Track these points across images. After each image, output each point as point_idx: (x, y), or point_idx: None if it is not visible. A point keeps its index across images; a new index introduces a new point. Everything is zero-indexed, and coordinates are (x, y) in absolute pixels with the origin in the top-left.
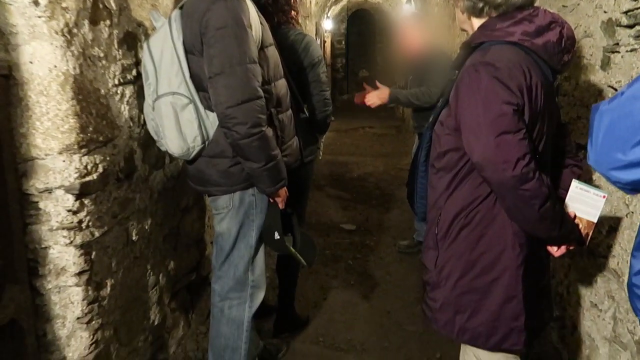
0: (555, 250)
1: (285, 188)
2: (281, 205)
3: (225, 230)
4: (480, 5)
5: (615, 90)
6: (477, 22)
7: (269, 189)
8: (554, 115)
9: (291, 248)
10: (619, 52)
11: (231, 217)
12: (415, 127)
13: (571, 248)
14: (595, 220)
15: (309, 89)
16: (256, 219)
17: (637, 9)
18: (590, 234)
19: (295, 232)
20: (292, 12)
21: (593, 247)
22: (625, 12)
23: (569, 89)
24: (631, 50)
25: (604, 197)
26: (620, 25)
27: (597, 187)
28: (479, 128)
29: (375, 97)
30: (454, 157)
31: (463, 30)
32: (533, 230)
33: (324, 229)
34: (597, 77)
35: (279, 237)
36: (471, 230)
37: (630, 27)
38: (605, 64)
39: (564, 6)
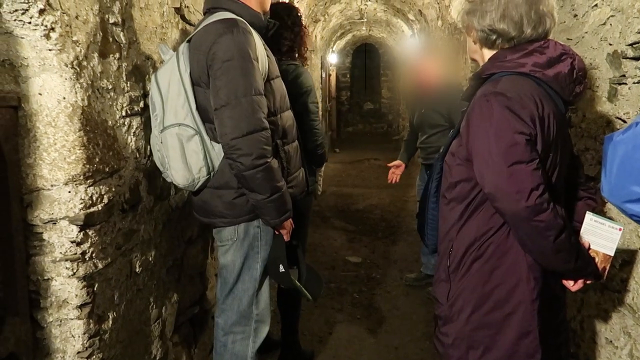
0: (572, 285)
1: (290, 220)
2: (286, 237)
3: (230, 263)
4: (493, 37)
5: (624, 121)
6: (488, 53)
7: (274, 220)
8: (567, 146)
9: (296, 281)
10: (625, 83)
11: (236, 249)
12: (422, 158)
13: (588, 282)
14: (612, 254)
15: (299, 120)
16: (261, 251)
17: None
18: (608, 267)
19: (300, 265)
20: (303, 49)
21: (606, 281)
22: (631, 45)
23: (576, 121)
24: (638, 82)
25: (620, 229)
26: (626, 57)
27: (611, 219)
28: (491, 158)
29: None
30: (466, 188)
31: (473, 60)
32: (548, 263)
33: (329, 261)
34: (605, 108)
35: (284, 270)
36: (484, 263)
37: (636, 59)
38: (612, 96)
39: (568, 39)
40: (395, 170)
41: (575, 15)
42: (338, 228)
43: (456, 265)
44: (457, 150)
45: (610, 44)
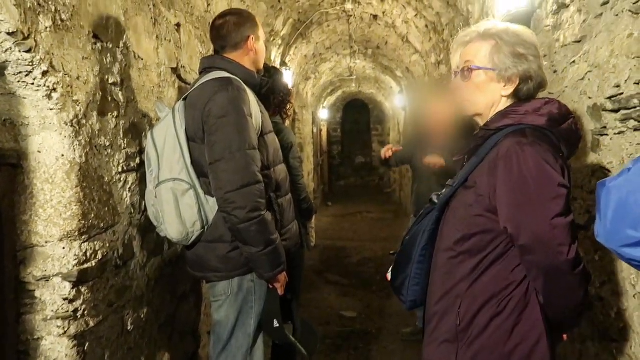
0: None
1: (284, 273)
2: (280, 291)
3: (223, 318)
4: (522, 85)
5: (608, 171)
6: (499, 104)
7: (268, 274)
8: None
9: (291, 337)
10: (607, 134)
11: (229, 304)
12: (417, 209)
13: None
14: None
15: None
16: (255, 306)
17: (620, 94)
18: None
19: (295, 320)
20: (287, 110)
21: (603, 330)
22: (609, 98)
23: None
24: (619, 133)
25: None
26: (605, 110)
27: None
28: (532, 209)
29: (436, 159)
30: (485, 240)
31: (475, 115)
32: (566, 318)
33: (324, 316)
34: (589, 159)
35: (278, 325)
36: (505, 320)
37: (616, 111)
38: (596, 146)
39: (550, 93)
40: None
41: (555, 72)
42: (332, 282)
43: (467, 323)
44: (475, 200)
45: (590, 98)
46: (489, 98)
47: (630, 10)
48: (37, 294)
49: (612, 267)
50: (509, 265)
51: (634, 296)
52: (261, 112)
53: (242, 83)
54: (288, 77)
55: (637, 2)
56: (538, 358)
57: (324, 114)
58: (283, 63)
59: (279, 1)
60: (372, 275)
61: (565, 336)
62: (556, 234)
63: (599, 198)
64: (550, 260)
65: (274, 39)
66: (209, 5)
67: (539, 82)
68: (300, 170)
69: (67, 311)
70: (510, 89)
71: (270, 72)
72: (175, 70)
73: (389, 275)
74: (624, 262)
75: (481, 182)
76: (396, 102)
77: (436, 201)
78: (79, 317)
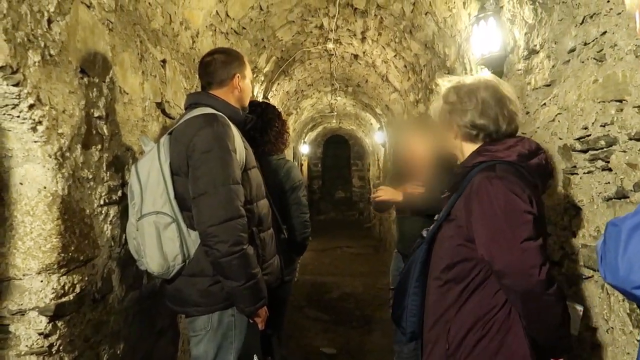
0: None
1: (265, 308)
2: (261, 326)
3: (202, 354)
4: (474, 132)
5: (579, 208)
6: (468, 147)
7: (249, 308)
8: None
9: None
10: (577, 173)
11: (209, 339)
12: (401, 246)
13: None
14: (575, 333)
15: (289, 211)
16: (235, 341)
17: (587, 136)
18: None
19: (274, 355)
20: (281, 145)
21: None
22: (578, 139)
23: None
24: (588, 172)
25: (580, 310)
26: (575, 150)
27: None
28: (502, 236)
29: (389, 193)
30: (467, 268)
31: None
32: (549, 338)
33: (303, 353)
34: (561, 196)
35: None
36: (489, 341)
37: (584, 151)
38: (567, 185)
39: (523, 133)
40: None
41: (528, 112)
42: (312, 318)
43: (456, 346)
44: (456, 232)
45: (560, 138)
46: (458, 152)
47: (594, 58)
48: (12, 328)
49: (587, 304)
50: (491, 290)
51: (607, 331)
52: (245, 147)
53: (227, 119)
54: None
55: (600, 50)
56: None
57: (305, 149)
58: (265, 98)
59: (263, 39)
60: (352, 311)
61: None
62: (526, 257)
63: (610, 238)
64: (523, 282)
65: (257, 76)
66: (194, 42)
67: (493, 121)
68: (307, 207)
69: (42, 346)
70: (461, 141)
71: (262, 106)
72: (159, 105)
73: None
74: (637, 304)
75: (460, 215)
76: (376, 139)
77: (425, 235)
78: (54, 352)
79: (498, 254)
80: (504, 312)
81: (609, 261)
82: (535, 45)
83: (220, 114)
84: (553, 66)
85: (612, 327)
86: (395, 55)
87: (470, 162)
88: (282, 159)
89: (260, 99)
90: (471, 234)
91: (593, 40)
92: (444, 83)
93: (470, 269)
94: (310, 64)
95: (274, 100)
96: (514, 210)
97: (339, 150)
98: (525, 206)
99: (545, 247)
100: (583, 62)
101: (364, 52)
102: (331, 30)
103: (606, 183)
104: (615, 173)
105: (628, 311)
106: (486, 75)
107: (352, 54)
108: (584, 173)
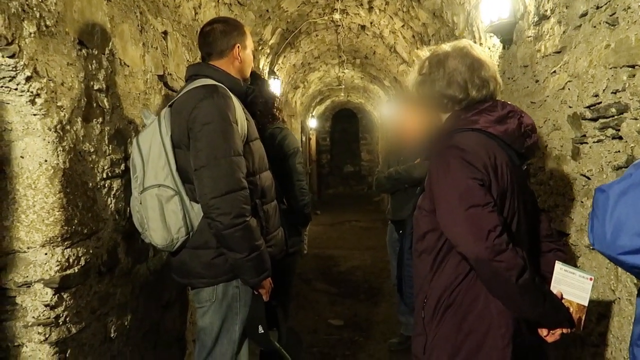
0: (546, 335)
1: (269, 279)
2: (265, 297)
3: (208, 325)
4: (445, 101)
5: (588, 178)
6: (444, 117)
7: (253, 280)
8: (527, 197)
9: (276, 343)
10: (587, 143)
11: (214, 310)
12: (392, 215)
13: (565, 332)
14: (585, 304)
15: (286, 180)
16: (240, 313)
17: (598, 103)
18: (583, 317)
19: (280, 326)
20: (278, 116)
21: (584, 336)
22: (588, 107)
23: (544, 179)
24: (598, 141)
25: (590, 279)
26: (585, 118)
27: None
28: (449, 204)
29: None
30: (433, 238)
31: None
32: (517, 307)
33: (311, 324)
34: (570, 166)
35: (263, 331)
36: (456, 310)
37: (594, 120)
38: (576, 154)
39: (532, 102)
40: None
41: (537, 81)
42: (320, 290)
43: (430, 316)
44: (423, 202)
45: (570, 107)
46: (437, 122)
47: (607, 22)
48: (18, 300)
49: (595, 275)
50: (456, 259)
51: (614, 301)
52: (247, 119)
53: (228, 90)
54: (277, 86)
55: (613, 14)
56: (488, 347)
57: (312, 123)
58: (271, 72)
59: (267, 10)
60: (360, 284)
61: (547, 335)
62: (471, 224)
63: (597, 204)
64: (470, 249)
65: (262, 48)
66: (196, 13)
67: (462, 89)
68: (304, 175)
69: (49, 317)
70: (436, 111)
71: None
72: (161, 78)
73: None
74: (623, 269)
75: (426, 185)
76: (385, 112)
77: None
78: (60, 323)
79: (447, 222)
80: (468, 282)
81: (596, 227)
82: (546, 10)
83: (221, 85)
84: (564, 32)
85: (619, 298)
86: (403, 25)
87: (439, 130)
88: (277, 127)
89: (266, 72)
90: (433, 204)
91: (606, 4)
92: (423, 54)
93: (436, 239)
94: (316, 35)
95: (280, 74)
96: (460, 177)
97: (347, 124)
98: (472, 173)
99: (504, 213)
100: (595, 26)
101: (371, 23)
102: (337, 0)
103: (616, 152)
104: (626, 141)
105: (635, 281)
106: (462, 41)
107: (359, 24)
108: (594, 142)
